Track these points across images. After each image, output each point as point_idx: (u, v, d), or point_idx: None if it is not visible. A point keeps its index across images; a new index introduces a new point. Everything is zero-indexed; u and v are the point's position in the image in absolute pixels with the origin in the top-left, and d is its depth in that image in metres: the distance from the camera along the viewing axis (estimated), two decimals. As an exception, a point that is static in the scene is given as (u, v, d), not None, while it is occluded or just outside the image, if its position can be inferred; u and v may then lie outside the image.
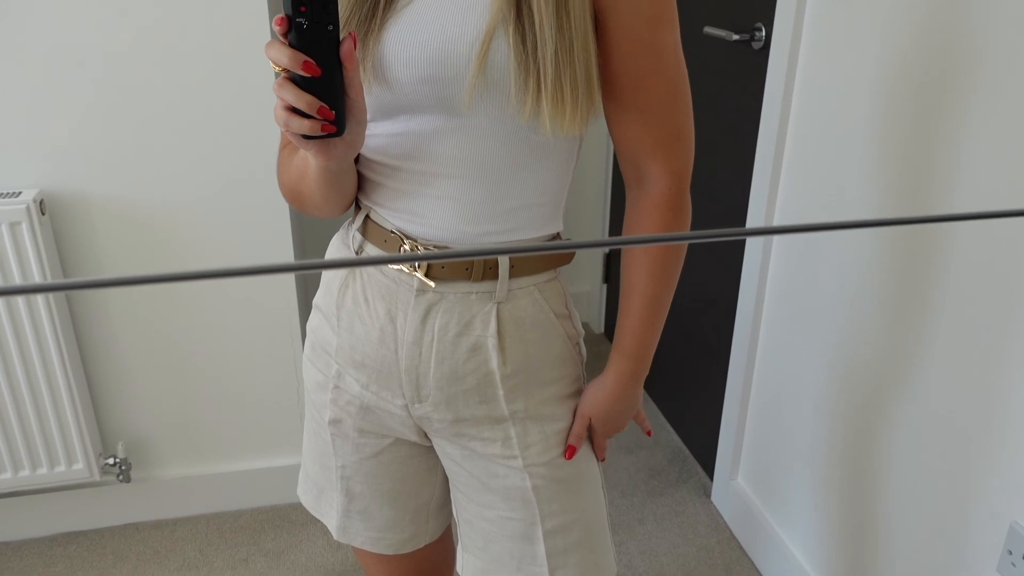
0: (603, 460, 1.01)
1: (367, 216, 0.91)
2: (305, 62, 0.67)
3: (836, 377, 1.51)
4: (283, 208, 1.75)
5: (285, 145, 0.93)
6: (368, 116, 0.86)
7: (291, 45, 0.67)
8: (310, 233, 2.29)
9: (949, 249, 1.20)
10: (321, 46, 0.68)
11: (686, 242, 0.91)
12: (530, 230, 0.89)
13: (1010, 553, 1.13)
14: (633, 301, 0.92)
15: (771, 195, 1.65)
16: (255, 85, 1.64)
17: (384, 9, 0.81)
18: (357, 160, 0.92)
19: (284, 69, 0.68)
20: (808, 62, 1.51)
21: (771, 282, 1.71)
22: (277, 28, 0.67)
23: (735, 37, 1.69)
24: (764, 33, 1.65)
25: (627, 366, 0.94)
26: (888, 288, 1.34)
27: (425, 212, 0.86)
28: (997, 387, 1.14)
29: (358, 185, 0.93)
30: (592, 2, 0.78)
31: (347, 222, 0.98)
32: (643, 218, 0.89)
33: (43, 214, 1.62)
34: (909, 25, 1.24)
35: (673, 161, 0.87)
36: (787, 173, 1.61)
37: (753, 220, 1.71)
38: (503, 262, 0.87)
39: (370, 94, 0.83)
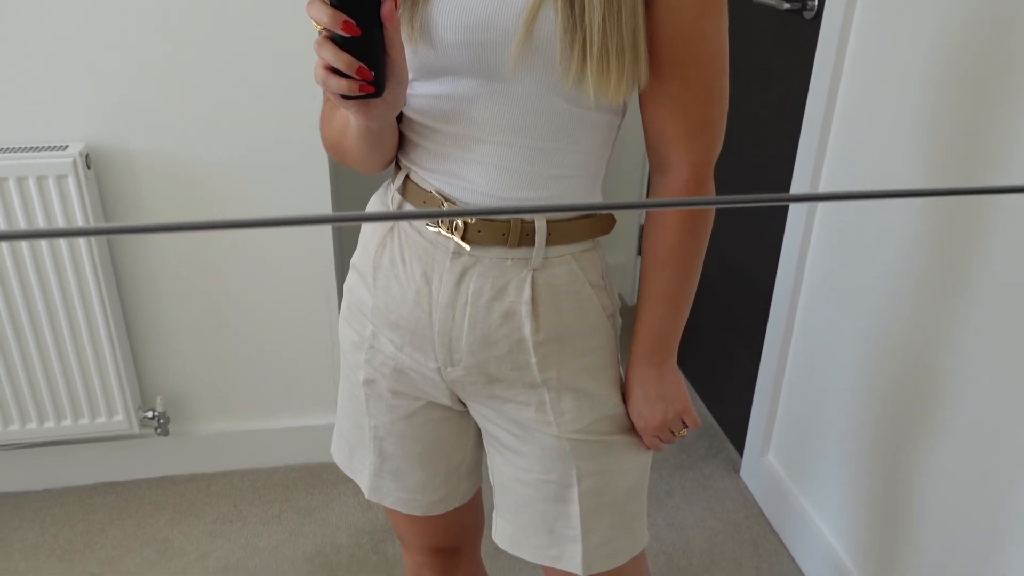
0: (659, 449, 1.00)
1: (407, 176, 0.91)
2: (345, 22, 0.67)
3: (872, 357, 1.49)
4: (323, 167, 1.76)
5: (328, 99, 0.93)
6: (411, 76, 0.86)
7: (332, 4, 0.67)
8: (347, 193, 2.30)
9: (995, 231, 1.18)
10: (362, 6, 0.67)
11: (705, 236, 0.91)
12: (569, 200, 0.88)
13: (1049, 539, 1.11)
14: (650, 290, 0.92)
15: (815, 169, 1.62)
16: (298, 44, 1.64)
17: None
18: (399, 119, 0.91)
19: (324, 28, 0.68)
20: (861, 33, 1.48)
21: (811, 259, 1.68)
22: None
23: (786, 6, 1.65)
24: (816, 2, 1.61)
25: (640, 350, 0.94)
26: (930, 269, 1.32)
27: (465, 175, 0.86)
28: (1043, 371, 1.12)
29: (401, 145, 0.93)
30: None
31: (386, 182, 0.98)
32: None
33: (88, 168, 1.64)
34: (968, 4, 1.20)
35: (694, 152, 0.86)
36: (833, 147, 1.58)
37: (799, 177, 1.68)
38: (540, 229, 0.87)
39: (415, 54, 0.82)
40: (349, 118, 0.83)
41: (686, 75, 0.82)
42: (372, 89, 0.71)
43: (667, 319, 0.92)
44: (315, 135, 1.71)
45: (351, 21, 0.67)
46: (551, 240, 0.88)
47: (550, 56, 0.78)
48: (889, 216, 1.42)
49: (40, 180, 1.59)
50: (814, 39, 1.60)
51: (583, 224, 0.90)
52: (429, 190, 0.89)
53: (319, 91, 1.70)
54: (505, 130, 0.83)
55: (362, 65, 0.69)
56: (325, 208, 1.79)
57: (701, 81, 0.83)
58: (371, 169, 0.92)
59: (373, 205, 0.99)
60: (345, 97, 0.72)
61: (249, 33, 1.63)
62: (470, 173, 0.86)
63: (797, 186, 1.68)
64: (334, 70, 0.70)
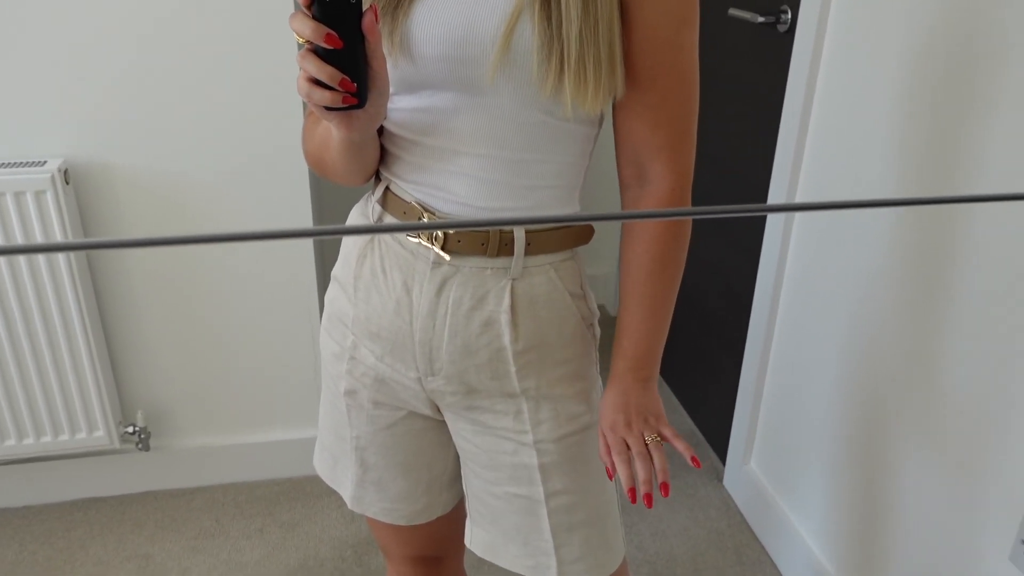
0: (608, 472, 0.95)
1: (387, 188, 0.92)
2: (328, 34, 0.67)
3: (851, 364, 1.50)
4: (303, 181, 1.76)
5: (310, 114, 0.93)
6: (392, 90, 0.87)
7: (314, 17, 0.67)
8: (329, 206, 2.30)
9: (968, 236, 1.19)
10: (344, 19, 0.68)
11: (686, 245, 0.91)
12: (547, 210, 0.89)
13: (1023, 543, 1.13)
14: (633, 302, 0.91)
15: (792, 180, 1.64)
16: (278, 58, 1.65)
17: None
18: (380, 132, 0.92)
19: (307, 41, 0.69)
20: (834, 46, 1.50)
21: (789, 268, 1.70)
22: (301, 0, 0.67)
23: (760, 19, 1.68)
24: (790, 16, 1.63)
25: (623, 366, 0.92)
26: (906, 276, 1.33)
27: (444, 186, 0.87)
28: (1012, 375, 1.13)
29: (381, 158, 0.94)
30: None
31: (367, 194, 0.98)
32: (648, 225, 0.89)
33: (67, 183, 1.64)
34: (937, 9, 1.22)
35: (678, 162, 0.87)
36: (809, 158, 1.60)
37: (772, 222, 1.70)
38: (519, 239, 0.88)
39: (395, 68, 0.84)
40: (330, 131, 0.84)
41: (667, 85, 0.83)
42: (355, 101, 0.72)
43: (654, 331, 0.92)
44: (296, 148, 1.72)
45: (333, 34, 0.68)
46: (530, 250, 0.89)
47: (527, 69, 0.79)
48: (865, 223, 1.43)
49: (18, 196, 1.59)
50: (788, 51, 1.63)
51: (561, 234, 0.91)
52: (409, 201, 0.89)
53: (299, 105, 1.71)
54: (484, 142, 0.84)
55: (345, 77, 0.70)
56: (306, 221, 1.79)
57: (681, 90, 0.84)
58: (353, 182, 0.92)
59: (354, 218, 1.00)
60: (328, 109, 0.73)
61: (228, 47, 1.63)
62: (449, 184, 0.87)
63: (775, 195, 1.70)
64: (317, 82, 0.71)
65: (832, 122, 1.52)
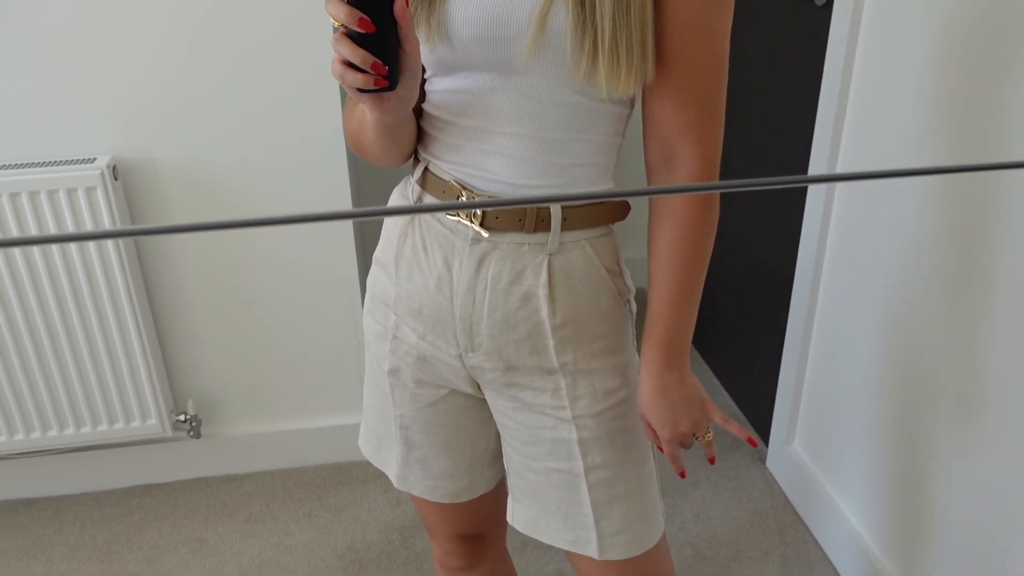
0: (680, 472, 0.98)
1: (426, 168, 0.94)
2: (360, 18, 0.69)
3: (893, 342, 1.49)
4: (342, 166, 1.79)
5: (350, 97, 0.96)
6: (430, 72, 0.90)
7: (348, 2, 0.69)
8: (368, 190, 2.33)
9: (1009, 209, 1.17)
10: (377, 3, 0.70)
11: (714, 228, 0.91)
12: (581, 186, 0.90)
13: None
14: (663, 288, 0.92)
15: (831, 156, 1.62)
16: (314, 46, 1.67)
17: None
18: (419, 114, 0.94)
19: (342, 25, 0.71)
20: (872, 20, 1.48)
21: (830, 245, 1.69)
22: None
23: (796, -5, 1.66)
24: (827, -10, 1.61)
25: (658, 353, 0.93)
26: (945, 252, 1.32)
27: (482, 166, 0.89)
28: (1062, 350, 1.12)
29: (418, 138, 0.96)
30: None
31: (407, 176, 1.00)
32: (675, 201, 0.89)
33: (116, 179, 1.69)
34: (978, -22, 1.20)
35: (707, 144, 0.87)
36: (849, 133, 1.58)
37: (813, 187, 1.68)
38: (555, 215, 0.89)
39: (433, 51, 0.86)
40: (366, 113, 0.86)
41: (697, 68, 0.84)
42: (387, 83, 0.74)
43: (685, 316, 0.92)
44: (333, 135, 1.75)
45: (366, 18, 0.70)
46: (566, 225, 0.90)
47: (562, 51, 0.80)
48: (904, 198, 1.42)
49: (70, 192, 1.64)
50: (826, 26, 1.61)
51: (597, 210, 0.92)
52: (448, 180, 0.91)
53: (336, 91, 1.74)
54: (520, 122, 0.86)
55: (377, 60, 0.72)
56: (346, 206, 1.82)
57: (712, 72, 0.85)
58: (390, 163, 0.95)
59: (395, 199, 1.02)
60: (361, 91, 0.75)
61: (265, 37, 1.66)
62: (487, 163, 0.88)
63: (814, 169, 1.68)
64: (351, 65, 0.73)
65: (872, 97, 1.50)
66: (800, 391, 1.87)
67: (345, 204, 1.82)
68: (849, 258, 1.62)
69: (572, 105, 0.85)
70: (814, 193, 1.69)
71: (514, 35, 0.81)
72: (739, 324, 2.21)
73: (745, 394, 2.24)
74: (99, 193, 1.65)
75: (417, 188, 0.96)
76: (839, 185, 1.63)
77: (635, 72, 0.80)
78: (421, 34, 0.85)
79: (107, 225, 1.68)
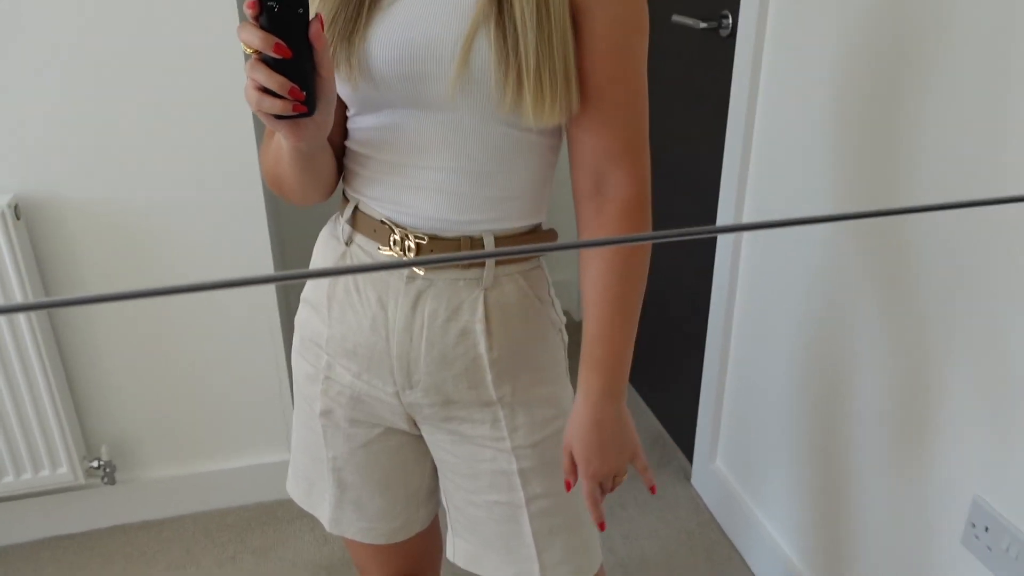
0: (599, 523, 0.96)
1: (356, 207, 0.94)
2: (276, 43, 0.68)
3: (806, 361, 1.54)
4: (259, 203, 1.76)
5: (267, 132, 0.94)
6: (353, 110, 0.89)
7: (262, 27, 0.68)
8: (288, 227, 2.30)
9: (910, 230, 1.23)
10: (291, 28, 0.69)
11: (647, 252, 0.91)
12: (514, 220, 0.91)
13: (973, 526, 1.16)
14: (598, 313, 0.90)
15: (740, 181, 1.67)
16: (226, 82, 1.64)
17: (369, 8, 0.83)
18: (341, 151, 0.94)
19: (256, 51, 0.69)
20: (773, 48, 1.53)
21: (743, 268, 1.73)
22: (249, 11, 0.68)
23: (703, 25, 1.71)
24: (731, 21, 1.67)
25: (598, 381, 0.91)
26: (852, 273, 1.37)
27: (412, 202, 0.89)
28: (955, 364, 1.17)
29: (345, 178, 0.95)
30: (569, 1, 0.80)
31: (335, 215, 0.99)
32: (608, 226, 0.89)
33: (18, 218, 1.62)
34: (870, 11, 1.26)
35: (637, 167, 0.88)
36: (756, 159, 1.63)
37: (724, 207, 1.73)
38: (489, 246, 0.90)
39: (356, 90, 0.85)
40: (282, 145, 0.84)
41: (620, 90, 0.85)
42: (304, 108, 0.73)
43: (624, 335, 0.91)
44: (248, 171, 1.72)
45: (282, 43, 0.69)
46: (499, 259, 0.90)
47: (486, 84, 0.80)
48: (811, 227, 1.46)
49: (-32, 234, 1.57)
50: (731, 56, 1.66)
51: (528, 239, 0.93)
52: (378, 218, 0.91)
53: (249, 123, 1.71)
54: (447, 156, 0.86)
55: (294, 85, 0.71)
56: (264, 244, 1.79)
57: (634, 97, 0.86)
58: (308, 198, 0.93)
59: (323, 239, 1.01)
60: (278, 118, 0.74)
61: (174, 70, 1.62)
62: (416, 200, 0.88)
63: (724, 197, 1.73)
64: (266, 91, 0.71)
65: (777, 126, 1.55)
66: (720, 409, 1.91)
67: (263, 237, 1.79)
68: (762, 278, 1.67)
69: (499, 137, 0.85)
70: (725, 218, 1.74)
71: (436, 71, 0.81)
72: (660, 344, 2.25)
73: (668, 413, 2.28)
74: (-1, 234, 1.58)
75: (347, 227, 0.95)
76: (749, 205, 1.68)
77: (560, 101, 0.81)
78: (342, 72, 0.84)
79: (9, 268, 1.60)
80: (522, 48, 0.78)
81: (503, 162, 0.87)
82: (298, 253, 2.26)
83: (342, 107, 0.92)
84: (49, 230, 1.70)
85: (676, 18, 1.82)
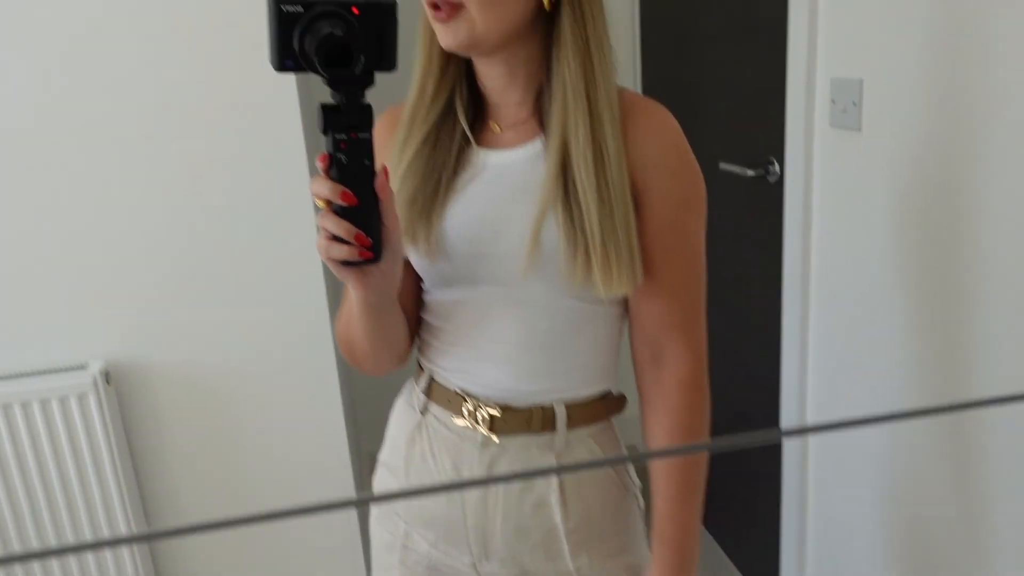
0: None
1: (431, 377, 0.98)
2: (343, 192, 0.73)
3: (891, 492, 1.49)
4: (332, 369, 1.83)
5: (343, 300, 0.99)
6: (429, 284, 0.95)
7: (332, 179, 0.74)
8: (360, 390, 2.37)
9: (980, 371, 1.22)
10: (359, 179, 0.75)
11: (707, 414, 0.94)
12: (584, 387, 0.94)
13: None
14: (665, 484, 0.93)
15: (802, 323, 1.68)
16: (301, 255, 1.76)
17: (446, 190, 0.90)
18: (418, 323, 0.99)
19: (326, 202, 0.75)
20: (823, 192, 1.58)
21: (811, 397, 1.71)
22: (320, 164, 0.74)
23: (751, 173, 1.77)
24: (778, 167, 1.73)
25: (671, 556, 0.93)
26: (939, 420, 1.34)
27: (484, 373, 0.93)
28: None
29: (420, 348, 1.00)
30: (631, 179, 0.87)
31: (409, 382, 1.03)
32: (667, 398, 0.93)
33: (108, 384, 1.72)
34: (915, 159, 1.30)
35: (694, 341, 0.93)
36: (816, 300, 1.65)
37: (788, 352, 1.73)
38: (560, 414, 0.92)
39: (432, 265, 0.91)
40: (353, 301, 0.88)
41: (679, 265, 0.91)
42: (370, 255, 0.77)
43: (692, 510, 0.93)
44: (322, 338, 1.80)
45: (349, 191, 0.74)
46: (571, 423, 0.93)
47: (556, 260, 0.86)
48: (886, 358, 1.46)
49: (62, 401, 1.67)
50: (780, 201, 1.71)
51: (598, 405, 0.96)
52: (453, 389, 0.95)
53: (321, 292, 1.79)
54: (519, 329, 0.91)
55: (360, 231, 0.75)
56: (336, 407, 1.85)
57: (692, 272, 0.92)
58: (380, 365, 0.96)
59: (400, 407, 1.04)
60: (346, 264, 0.78)
61: (253, 240, 1.74)
62: (488, 371, 0.92)
63: (787, 338, 1.73)
64: (335, 239, 0.76)
65: (833, 264, 1.57)
66: (804, 556, 1.84)
67: (334, 397, 1.85)
68: (834, 413, 1.64)
69: (568, 309, 0.90)
70: (789, 363, 1.73)
71: (509, 251, 0.87)
72: (733, 487, 2.20)
73: (746, 559, 2.19)
74: (91, 400, 1.67)
75: (423, 397, 0.98)
76: (813, 344, 1.67)
77: (626, 273, 0.86)
78: (420, 248, 0.90)
79: (99, 433, 1.69)
80: (587, 224, 0.84)
81: (572, 333, 0.92)
82: (371, 415, 2.32)
83: (416, 279, 0.98)
84: (136, 393, 1.79)
85: (724, 166, 1.89)
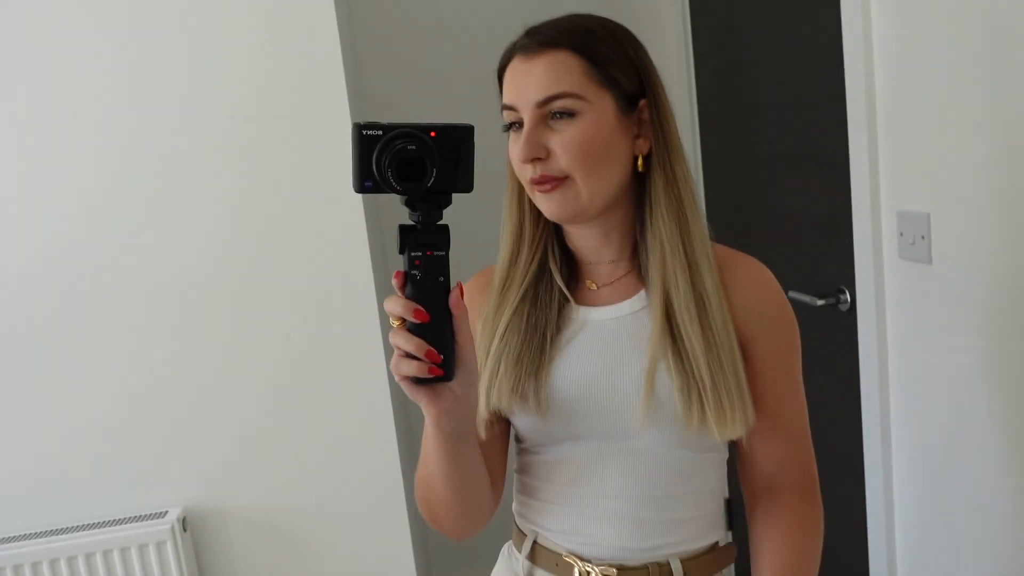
0: None
1: (535, 541, 0.96)
2: (416, 309, 0.72)
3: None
4: (400, 507, 1.82)
5: (420, 461, 0.96)
6: (532, 441, 0.95)
7: (406, 297, 0.74)
8: (434, 541, 2.34)
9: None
10: (432, 295, 0.74)
11: (820, 528, 0.94)
12: (697, 540, 0.93)
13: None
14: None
15: (885, 452, 1.62)
16: (371, 394, 1.78)
17: (551, 345, 0.92)
18: (524, 490, 0.97)
19: (399, 320, 0.73)
20: (897, 319, 1.54)
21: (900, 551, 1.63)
22: (395, 281, 0.73)
23: (820, 302, 1.75)
24: (848, 296, 1.70)
25: None
26: None
27: (595, 532, 0.91)
28: None
29: (520, 511, 0.98)
30: (736, 329, 0.89)
31: (507, 547, 1.01)
32: (784, 515, 0.93)
33: (185, 531, 1.74)
34: (990, 291, 1.27)
35: (811, 468, 0.95)
36: (897, 431, 1.59)
37: (871, 473, 1.66)
38: (676, 570, 0.91)
39: (543, 423, 0.91)
40: (428, 436, 0.85)
41: (792, 407, 0.93)
42: (441, 372, 0.75)
43: None
44: (391, 474, 1.81)
45: (420, 308, 0.73)
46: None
47: (672, 410, 0.87)
48: (975, 520, 1.39)
49: (141, 548, 1.69)
50: (854, 329, 1.67)
51: (712, 557, 0.94)
52: (560, 552, 0.93)
53: (393, 433, 1.81)
54: (631, 484, 0.90)
55: (430, 348, 0.74)
56: (406, 547, 1.83)
57: (802, 411, 0.95)
58: (459, 515, 0.92)
59: (500, 574, 1.02)
60: (418, 382, 0.75)
61: (321, 387, 1.78)
62: (600, 530, 0.91)
63: (869, 464, 1.67)
64: (407, 356, 0.74)
65: (912, 389, 1.52)
66: None
67: (405, 543, 1.83)
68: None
69: (678, 461, 0.90)
70: (873, 489, 1.66)
71: (623, 405, 0.88)
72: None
73: None
74: (168, 547, 1.70)
75: (527, 563, 0.96)
76: (897, 484, 1.60)
77: (739, 414, 0.87)
78: (530, 405, 0.90)
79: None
80: (696, 370, 0.85)
81: (683, 484, 0.91)
82: (445, 548, 2.30)
83: (503, 436, 0.97)
84: (212, 539, 1.81)
85: (792, 295, 1.87)
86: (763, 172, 2.08)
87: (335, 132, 1.70)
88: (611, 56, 0.88)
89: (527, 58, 0.88)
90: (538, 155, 0.87)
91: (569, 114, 0.87)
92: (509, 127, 0.92)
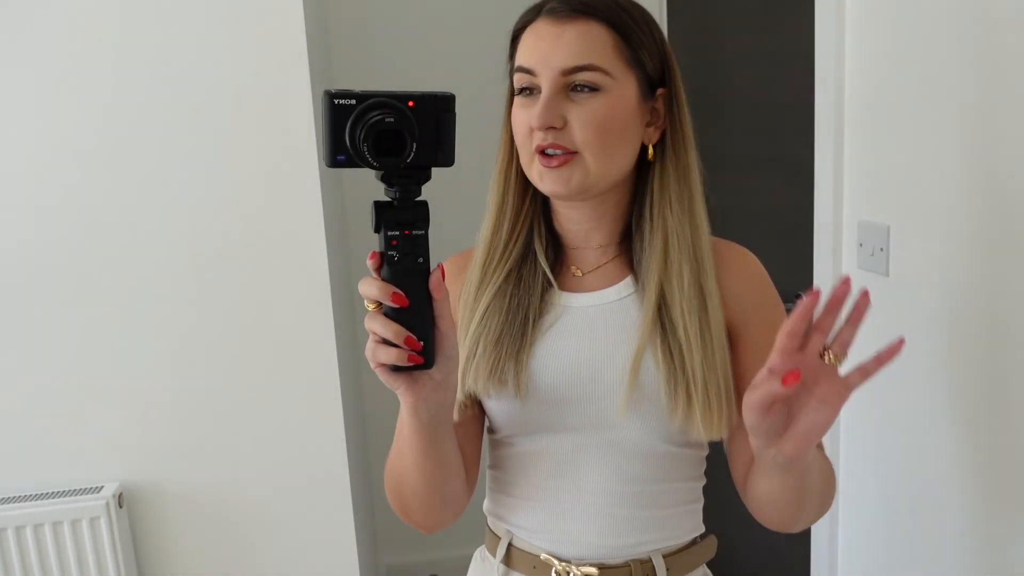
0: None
1: (510, 543, 0.92)
2: (394, 293, 0.67)
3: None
4: (344, 487, 1.79)
5: (393, 442, 0.91)
6: (507, 432, 0.90)
7: (383, 279, 0.68)
8: (382, 522, 2.32)
9: None
10: (411, 278, 0.68)
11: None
12: (678, 535, 0.91)
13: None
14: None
15: (835, 464, 1.62)
16: (317, 373, 1.74)
17: (533, 326, 0.88)
18: (498, 486, 0.93)
19: (375, 303, 0.69)
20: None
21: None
22: (370, 263, 0.68)
23: (777, 307, 1.75)
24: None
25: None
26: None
27: (574, 530, 0.88)
28: None
29: (492, 510, 0.95)
30: (728, 317, 0.88)
31: (479, 551, 0.97)
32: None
33: (120, 507, 1.69)
34: (949, 309, 1.28)
35: None
36: (847, 440, 1.60)
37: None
38: (659, 566, 0.89)
39: (523, 408, 0.87)
40: (403, 423, 0.80)
41: None
42: (421, 360, 0.70)
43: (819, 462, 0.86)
44: (336, 452, 1.77)
45: (400, 292, 0.67)
46: (671, 574, 0.89)
47: (657, 401, 0.84)
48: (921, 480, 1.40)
49: (74, 524, 1.64)
50: (808, 336, 1.68)
51: (695, 552, 0.93)
52: (537, 553, 0.89)
53: (340, 413, 1.77)
54: (612, 478, 0.87)
55: (410, 335, 0.68)
56: (349, 532, 1.80)
57: None
58: (431, 506, 0.88)
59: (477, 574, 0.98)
60: (395, 370, 0.70)
61: (269, 356, 1.74)
62: (579, 526, 0.88)
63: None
64: (384, 342, 0.69)
65: (867, 406, 1.53)
66: None
67: (349, 531, 1.80)
68: None
69: (660, 455, 0.87)
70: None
71: (606, 392, 0.85)
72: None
73: None
74: (103, 523, 1.65)
75: (502, 567, 0.92)
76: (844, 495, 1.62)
77: (724, 415, 0.84)
78: (509, 390, 0.86)
79: (108, 556, 1.66)
80: (689, 365, 0.82)
81: (664, 479, 0.89)
82: (391, 523, 2.27)
83: (479, 424, 0.93)
84: (149, 516, 1.76)
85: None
86: (729, 174, 2.08)
87: (294, 102, 1.65)
88: (642, 38, 0.85)
89: (557, 22, 0.83)
90: (555, 124, 0.82)
91: (593, 88, 0.82)
92: (519, 92, 0.86)
